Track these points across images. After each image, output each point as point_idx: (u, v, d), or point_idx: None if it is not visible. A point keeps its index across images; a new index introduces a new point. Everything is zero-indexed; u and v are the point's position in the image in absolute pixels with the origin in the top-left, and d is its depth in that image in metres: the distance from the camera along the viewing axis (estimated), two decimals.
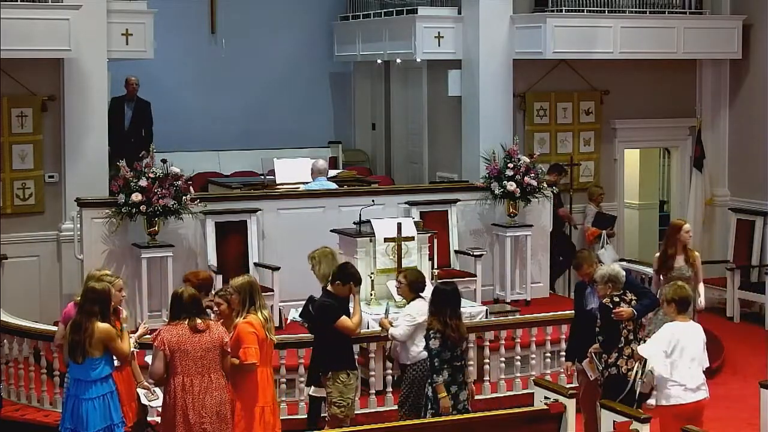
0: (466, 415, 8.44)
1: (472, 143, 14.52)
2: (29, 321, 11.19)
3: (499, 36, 14.42)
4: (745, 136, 15.40)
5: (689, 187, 15.71)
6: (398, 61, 16.37)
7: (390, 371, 10.36)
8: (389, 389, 10.38)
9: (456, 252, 13.12)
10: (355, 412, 9.41)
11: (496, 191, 13.24)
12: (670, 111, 15.72)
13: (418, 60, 15.41)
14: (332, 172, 14.17)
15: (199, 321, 8.08)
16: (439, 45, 14.81)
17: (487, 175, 13.37)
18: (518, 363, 11.01)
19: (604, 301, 8.91)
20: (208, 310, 8.57)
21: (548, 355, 11.16)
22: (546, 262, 13.94)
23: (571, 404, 8.25)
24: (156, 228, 11.86)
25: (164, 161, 12.04)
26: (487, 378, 10.88)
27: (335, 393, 9.00)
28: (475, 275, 12.73)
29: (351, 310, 9.21)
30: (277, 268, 12.00)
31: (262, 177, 14.74)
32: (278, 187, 13.68)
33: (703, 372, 8.49)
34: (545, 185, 13.48)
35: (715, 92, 15.73)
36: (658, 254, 11.24)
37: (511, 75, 14.53)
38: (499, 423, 8.16)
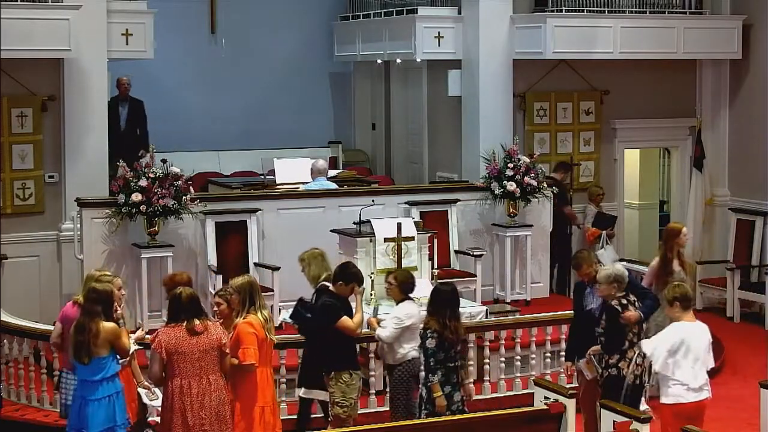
0: (466, 415, 8.44)
1: (472, 143, 14.52)
2: (29, 321, 11.18)
3: (499, 36, 14.42)
4: (745, 136, 15.40)
5: (689, 187, 15.70)
6: (398, 61, 16.37)
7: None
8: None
9: (456, 252, 13.12)
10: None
11: (496, 191, 13.24)
12: (670, 111, 15.72)
13: (418, 60, 15.41)
14: (332, 172, 14.17)
15: (197, 322, 8.07)
16: (439, 45, 14.81)
17: (487, 175, 13.37)
18: (518, 363, 11.00)
19: (612, 303, 8.81)
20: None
21: (548, 355, 11.16)
22: (546, 262, 13.94)
23: (571, 404, 8.25)
24: (156, 228, 11.86)
25: (164, 161, 12.03)
26: (487, 378, 10.87)
27: (338, 393, 9.00)
28: (475, 275, 12.73)
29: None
30: (277, 268, 12.00)
31: (262, 177, 14.75)
32: (278, 187, 13.68)
33: (707, 372, 8.51)
34: (545, 185, 13.48)
35: (715, 92, 15.73)
36: (656, 261, 10.83)
37: (511, 75, 14.54)
38: (499, 423, 8.16)
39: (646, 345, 8.53)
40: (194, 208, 12.10)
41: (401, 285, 9.41)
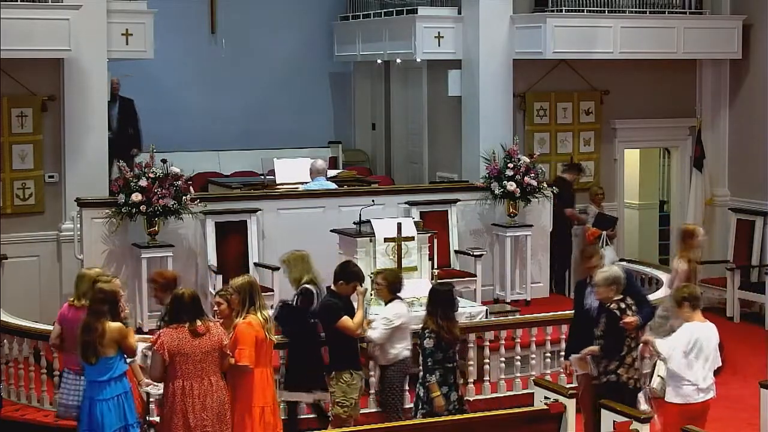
0: (466, 415, 8.44)
1: (472, 143, 14.52)
2: (29, 321, 11.17)
3: (499, 36, 14.41)
4: (745, 136, 15.40)
5: (689, 187, 15.70)
6: (398, 61, 16.37)
7: None
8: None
9: (456, 252, 13.12)
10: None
11: (496, 191, 13.24)
12: (670, 111, 15.72)
13: (418, 60, 15.40)
14: (332, 172, 14.18)
15: (199, 323, 8.08)
16: (439, 45, 14.81)
17: (487, 175, 13.38)
18: (518, 363, 11.00)
19: (611, 307, 8.75)
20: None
21: (548, 355, 11.16)
22: (546, 262, 13.94)
23: (571, 404, 8.25)
24: (156, 228, 11.86)
25: (164, 161, 12.04)
26: (487, 378, 10.87)
27: (338, 393, 9.01)
28: (475, 275, 12.73)
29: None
30: (277, 268, 11.94)
31: (262, 177, 14.74)
32: (278, 187, 13.68)
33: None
34: (545, 185, 13.49)
35: (715, 92, 15.73)
36: (683, 265, 10.77)
37: (511, 75, 14.53)
38: (499, 423, 8.16)
39: (662, 346, 8.49)
40: (194, 208, 12.10)
41: (390, 285, 9.38)
